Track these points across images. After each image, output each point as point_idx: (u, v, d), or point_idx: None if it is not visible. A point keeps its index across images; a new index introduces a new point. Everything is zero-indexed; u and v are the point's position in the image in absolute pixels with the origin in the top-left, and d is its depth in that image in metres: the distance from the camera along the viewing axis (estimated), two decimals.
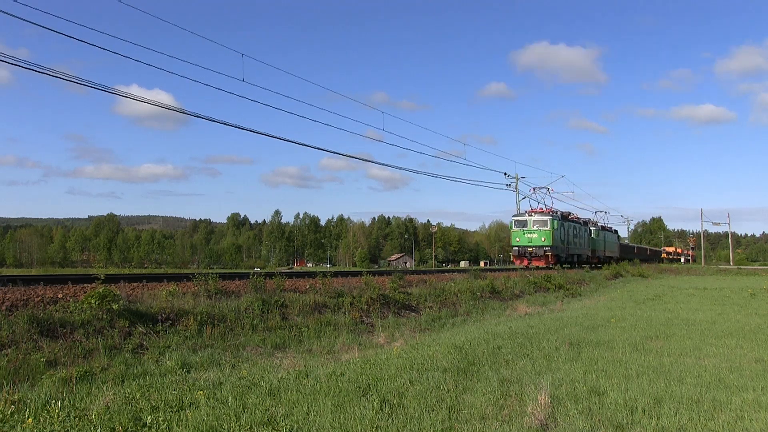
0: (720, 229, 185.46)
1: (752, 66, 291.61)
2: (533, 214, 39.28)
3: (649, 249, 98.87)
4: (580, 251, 45.39)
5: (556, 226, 38.15)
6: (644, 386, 6.58)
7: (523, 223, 38.87)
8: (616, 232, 64.72)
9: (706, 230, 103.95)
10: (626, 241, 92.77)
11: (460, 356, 8.21)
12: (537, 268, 35.58)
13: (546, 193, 43.98)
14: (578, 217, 47.76)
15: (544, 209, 41.09)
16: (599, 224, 56.82)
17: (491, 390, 6.31)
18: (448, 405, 5.72)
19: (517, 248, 38.93)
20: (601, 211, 67.32)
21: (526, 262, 37.81)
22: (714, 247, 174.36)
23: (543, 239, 37.68)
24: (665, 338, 10.40)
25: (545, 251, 37.56)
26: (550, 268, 35.07)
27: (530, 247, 38.03)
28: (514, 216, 39.96)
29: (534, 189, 43.77)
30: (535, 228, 38.26)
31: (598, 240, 52.66)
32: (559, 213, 41.36)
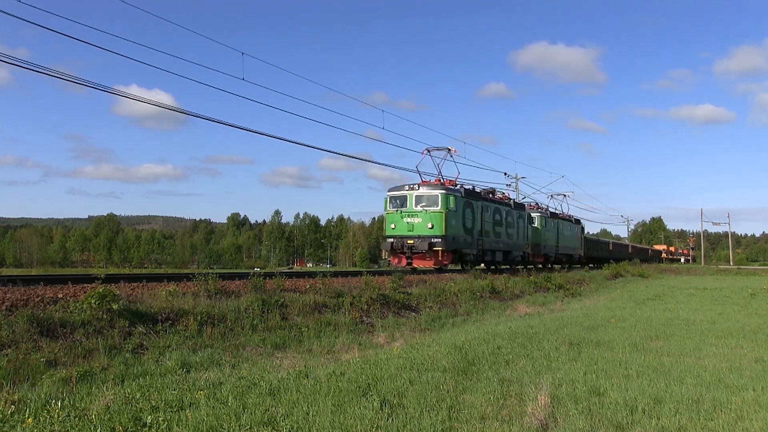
0: (720, 229, 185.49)
1: (751, 66, 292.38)
2: (418, 187, 24.25)
3: (631, 246, 79.59)
4: (510, 246, 30.79)
5: (452, 206, 23.77)
6: (644, 386, 6.59)
7: (402, 201, 24.20)
8: (578, 222, 47.89)
9: (706, 230, 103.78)
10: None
11: (460, 356, 8.21)
12: (424, 271, 23.25)
13: (445, 156, 27.10)
14: (508, 198, 32.63)
15: (443, 181, 26.01)
16: (549, 210, 40.16)
17: (491, 390, 6.30)
18: (448, 405, 5.72)
19: (391, 240, 24.03)
20: (559, 195, 47.81)
21: (404, 261, 23.84)
22: (714, 247, 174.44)
23: (430, 226, 23.20)
24: (665, 338, 10.40)
25: (433, 244, 23.09)
26: (444, 271, 24.30)
27: (410, 238, 23.51)
28: (389, 191, 24.94)
29: (428, 150, 27.01)
30: (418, 209, 23.69)
31: (546, 232, 37.77)
32: (462, 187, 26.03)
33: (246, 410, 5.48)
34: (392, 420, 5.23)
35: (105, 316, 8.85)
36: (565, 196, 48.45)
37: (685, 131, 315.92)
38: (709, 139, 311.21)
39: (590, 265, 47.69)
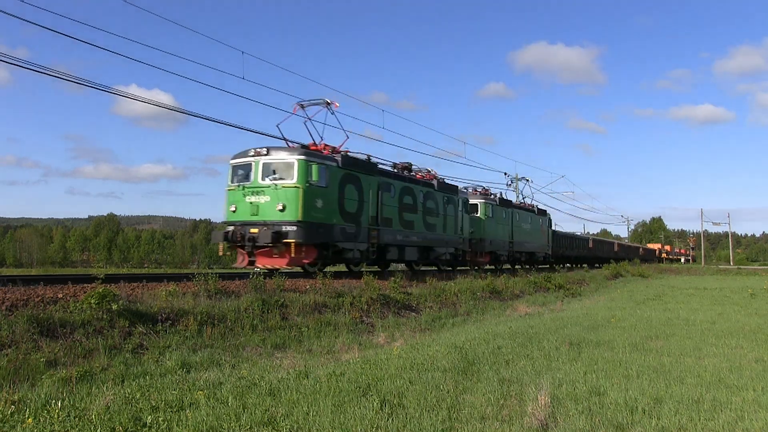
0: (720, 229, 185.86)
1: (751, 66, 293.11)
2: (267, 151, 16.90)
3: (617, 244, 69.23)
4: (432, 241, 23.00)
5: (316, 179, 16.67)
6: (644, 386, 6.59)
7: (246, 172, 17.05)
8: (544, 213, 38.35)
9: (706, 230, 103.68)
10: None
11: (460, 356, 8.21)
12: (273, 272, 15.20)
13: (318, 113, 19.63)
14: (433, 177, 24.21)
15: (318, 146, 18.59)
16: (499, 197, 31.52)
17: (491, 390, 6.31)
18: (448, 405, 5.72)
19: (230, 229, 16.73)
20: (522, 179, 38.85)
21: (246, 260, 16.67)
22: (714, 247, 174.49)
23: (280, 207, 16.10)
24: (665, 338, 10.41)
25: (282, 235, 15.88)
26: (309, 273, 17.65)
27: (254, 225, 16.32)
28: (233, 158, 17.63)
29: (301, 105, 19.27)
30: (267, 183, 16.56)
31: (494, 223, 29.60)
32: (344, 154, 18.53)
33: (246, 410, 5.49)
34: (392, 420, 5.23)
35: (105, 316, 8.85)
36: (527, 181, 38.87)
37: (684, 131, 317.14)
38: (708, 140, 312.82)
39: (559, 267, 39.42)
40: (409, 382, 6.60)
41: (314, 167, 16.69)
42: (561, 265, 39.47)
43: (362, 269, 19.82)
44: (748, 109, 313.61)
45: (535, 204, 38.48)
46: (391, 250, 20.64)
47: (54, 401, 5.74)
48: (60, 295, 9.43)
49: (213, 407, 5.61)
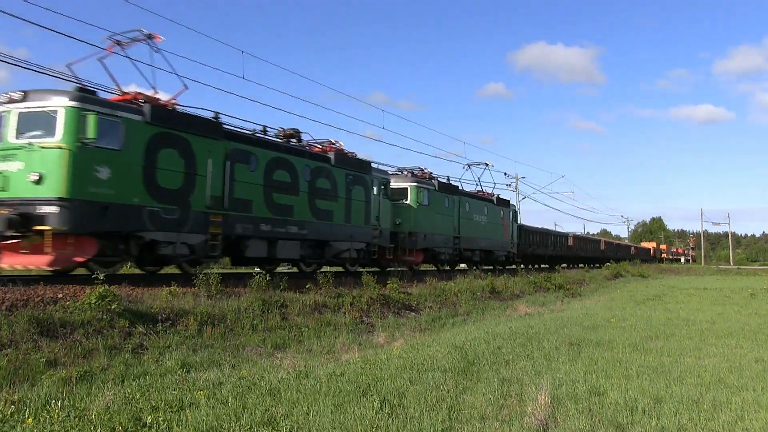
0: (720, 229, 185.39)
1: (751, 66, 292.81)
2: (26, 95, 11.10)
3: (604, 242, 59.66)
4: (326, 233, 17.42)
5: (94, 135, 10.75)
6: (644, 386, 6.59)
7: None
8: (506, 204, 31.95)
9: (706, 230, 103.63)
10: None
11: (460, 356, 8.22)
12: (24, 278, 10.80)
13: (145, 43, 13.43)
14: (336, 149, 18.43)
15: (130, 95, 12.73)
16: (441, 181, 25.08)
17: (491, 390, 6.31)
18: (448, 405, 5.73)
19: None
20: (480, 164, 31.02)
21: None
22: (714, 247, 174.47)
23: (35, 178, 10.50)
24: (665, 338, 10.41)
25: (33, 217, 10.43)
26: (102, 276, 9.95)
27: (1, 206, 10.53)
28: None
29: (118, 41, 13.13)
30: (20, 143, 10.85)
31: (430, 213, 23.51)
32: (168, 107, 13.05)
33: (246, 410, 5.49)
34: (392, 420, 5.23)
35: (105, 316, 8.85)
36: (487, 165, 31.09)
37: (684, 131, 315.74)
38: (708, 139, 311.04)
39: (526, 267, 33.03)
40: (409, 382, 6.60)
41: (92, 119, 10.94)
42: (528, 266, 32.96)
43: (203, 271, 13.20)
44: (748, 109, 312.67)
45: (492, 193, 31.13)
46: (253, 244, 15.01)
47: (54, 401, 5.74)
48: (60, 295, 9.43)
49: (213, 407, 5.61)
